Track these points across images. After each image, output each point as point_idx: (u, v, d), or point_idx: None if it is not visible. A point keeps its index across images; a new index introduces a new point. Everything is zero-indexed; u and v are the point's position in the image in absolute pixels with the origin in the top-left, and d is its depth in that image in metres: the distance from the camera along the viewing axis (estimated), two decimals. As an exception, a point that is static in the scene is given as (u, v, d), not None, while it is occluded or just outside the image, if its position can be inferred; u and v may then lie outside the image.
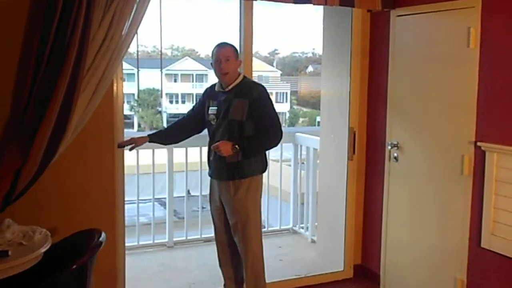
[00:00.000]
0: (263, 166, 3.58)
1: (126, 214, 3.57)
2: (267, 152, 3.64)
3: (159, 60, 22.24)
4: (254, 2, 3.67)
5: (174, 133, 3.85)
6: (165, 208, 5.44)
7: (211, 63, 3.52)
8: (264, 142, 3.48)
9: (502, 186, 3.26)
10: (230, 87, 3.46)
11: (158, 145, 5.22)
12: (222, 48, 3.45)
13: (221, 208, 3.62)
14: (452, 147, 3.40)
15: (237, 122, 3.40)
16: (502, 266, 3.31)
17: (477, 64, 3.36)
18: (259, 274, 3.62)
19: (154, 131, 4.16)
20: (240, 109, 3.39)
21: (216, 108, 3.52)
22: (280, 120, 3.60)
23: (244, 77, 3.52)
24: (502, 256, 3.29)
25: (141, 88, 22.25)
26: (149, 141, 3.71)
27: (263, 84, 3.62)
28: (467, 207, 3.48)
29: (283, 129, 3.48)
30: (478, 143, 3.37)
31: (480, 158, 3.39)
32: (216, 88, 3.55)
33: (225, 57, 3.41)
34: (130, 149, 3.64)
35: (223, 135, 3.45)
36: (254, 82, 3.58)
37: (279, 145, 5.48)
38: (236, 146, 3.37)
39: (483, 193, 3.37)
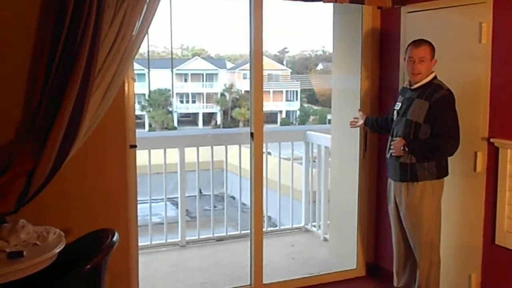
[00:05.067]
0: (441, 172, 3.39)
1: (138, 214, 3.58)
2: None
3: (169, 60, 22.27)
4: (263, 0, 3.66)
5: (385, 123, 3.80)
6: (177, 207, 5.46)
7: (404, 58, 3.47)
8: (435, 150, 3.32)
9: (516, 182, 3.24)
10: (416, 86, 3.38)
11: (170, 144, 5.30)
12: (418, 48, 3.33)
13: (396, 209, 3.56)
14: (465, 143, 3.38)
15: (413, 123, 3.34)
16: (517, 263, 3.28)
17: (490, 60, 3.34)
18: (433, 285, 3.48)
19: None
20: (419, 110, 3.31)
21: (400, 104, 3.50)
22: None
23: (434, 77, 3.36)
24: (517, 253, 3.27)
25: (152, 88, 22.31)
26: (365, 125, 3.98)
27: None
28: (480, 204, 3.45)
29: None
30: (491, 140, 3.35)
31: (493, 155, 3.36)
32: (405, 84, 3.54)
33: (420, 58, 3.31)
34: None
35: (398, 133, 3.43)
36: (441, 85, 3.33)
37: (290, 143, 5.58)
38: (406, 147, 3.32)
39: (497, 189, 3.34)
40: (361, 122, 4.01)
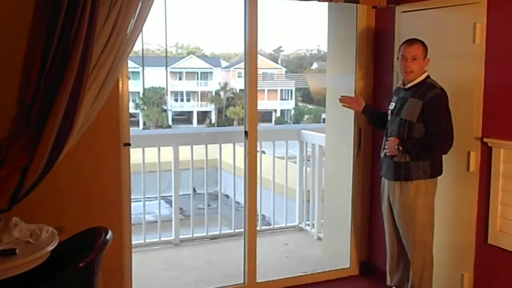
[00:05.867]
0: (434, 171, 3.40)
1: (132, 212, 3.58)
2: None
3: (164, 58, 22.28)
4: (258, -1, 3.66)
5: (382, 119, 3.74)
6: (171, 206, 5.46)
7: (397, 58, 3.47)
8: (429, 148, 3.33)
9: (508, 182, 3.25)
10: (409, 85, 3.38)
11: (164, 142, 5.30)
12: (411, 46, 3.34)
13: (389, 208, 3.57)
14: (458, 143, 3.39)
15: (407, 122, 3.34)
16: (510, 262, 3.29)
17: (483, 60, 3.35)
18: (426, 284, 3.48)
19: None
20: (413, 109, 3.31)
21: (394, 104, 3.49)
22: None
23: (427, 76, 3.37)
24: (510, 252, 3.28)
25: (146, 86, 22.30)
26: (363, 111, 3.85)
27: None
28: (473, 203, 3.46)
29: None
30: (485, 139, 3.36)
31: (486, 154, 3.37)
32: (399, 84, 3.54)
33: (412, 56, 3.32)
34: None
35: (392, 132, 3.43)
36: (434, 84, 3.33)
37: (284, 142, 5.58)
38: (400, 146, 3.32)
39: (490, 189, 3.36)
40: (357, 107, 3.88)
